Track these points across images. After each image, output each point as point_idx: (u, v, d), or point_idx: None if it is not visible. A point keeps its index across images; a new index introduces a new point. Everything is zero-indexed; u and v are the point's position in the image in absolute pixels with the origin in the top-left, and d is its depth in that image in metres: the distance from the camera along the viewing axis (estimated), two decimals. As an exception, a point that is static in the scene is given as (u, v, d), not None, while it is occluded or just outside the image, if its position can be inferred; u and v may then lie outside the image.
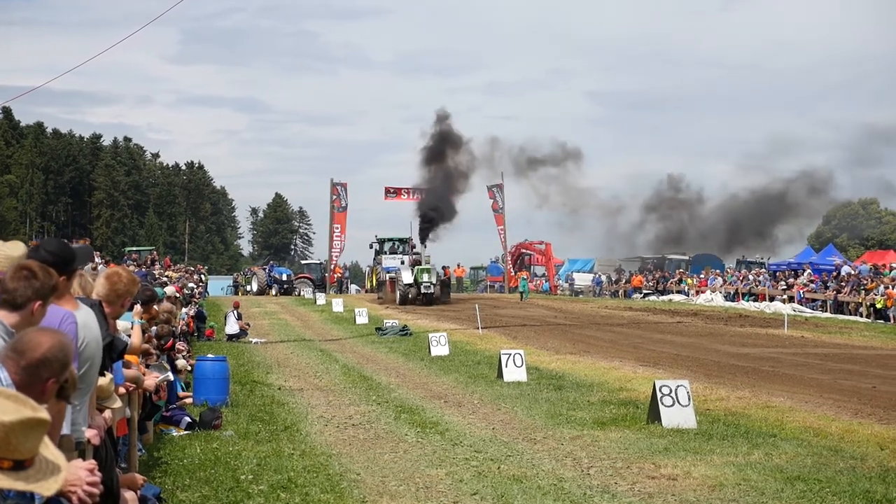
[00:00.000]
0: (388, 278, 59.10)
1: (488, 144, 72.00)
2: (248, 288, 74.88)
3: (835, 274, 51.06)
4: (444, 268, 65.59)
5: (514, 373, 20.70)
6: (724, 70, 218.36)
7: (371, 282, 71.13)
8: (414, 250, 65.02)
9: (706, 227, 67.01)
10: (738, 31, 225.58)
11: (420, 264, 58.11)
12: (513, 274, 74.89)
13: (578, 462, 12.20)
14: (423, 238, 64.59)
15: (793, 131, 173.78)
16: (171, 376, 13.61)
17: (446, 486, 10.90)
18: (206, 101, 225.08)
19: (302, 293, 70.64)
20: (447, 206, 64.97)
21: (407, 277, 56.23)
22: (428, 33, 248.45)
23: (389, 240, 69.25)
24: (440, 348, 26.62)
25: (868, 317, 43.93)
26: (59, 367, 4.45)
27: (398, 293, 55.85)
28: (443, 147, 67.44)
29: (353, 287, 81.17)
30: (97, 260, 33.88)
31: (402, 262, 61.39)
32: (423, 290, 55.14)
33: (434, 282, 56.04)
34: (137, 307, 10.45)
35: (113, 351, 7.55)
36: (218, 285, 78.94)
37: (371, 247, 69.65)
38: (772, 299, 52.00)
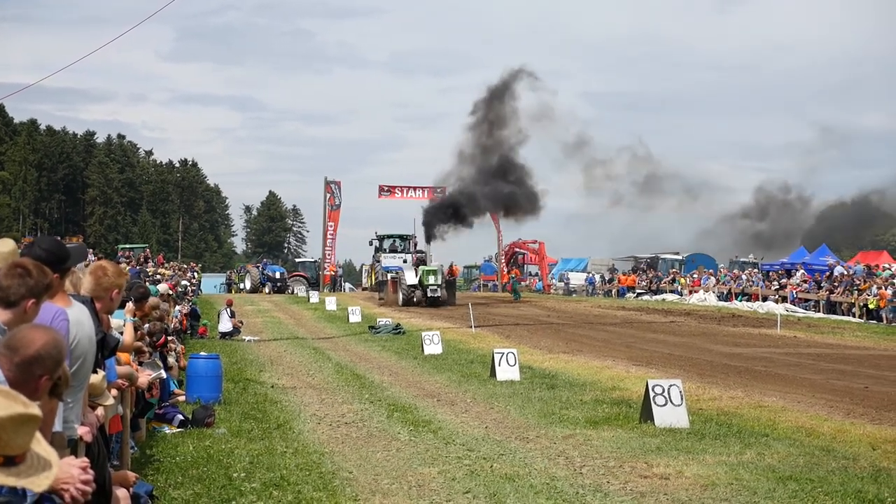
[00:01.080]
0: (389, 278, 55.56)
1: (542, 113, 63.66)
2: (242, 286, 74.88)
3: (828, 274, 51.13)
4: (451, 266, 62.16)
5: (507, 372, 20.70)
6: (721, 72, 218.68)
7: (370, 280, 68.58)
8: (417, 248, 61.26)
9: (800, 228, 66.40)
10: (735, 33, 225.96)
11: (425, 263, 54.71)
12: (505, 272, 74.92)
13: (571, 461, 12.20)
14: (429, 236, 59.88)
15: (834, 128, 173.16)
16: (163, 374, 13.60)
17: (439, 484, 10.90)
18: (200, 100, 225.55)
19: (296, 291, 70.53)
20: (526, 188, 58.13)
21: (410, 278, 52.73)
22: (423, 33, 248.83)
23: (390, 236, 67.21)
24: (433, 347, 26.60)
25: (861, 317, 44.02)
26: (52, 364, 4.45)
27: (401, 294, 52.42)
28: (492, 101, 60.30)
29: (347, 285, 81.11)
30: (91, 258, 33.86)
31: (405, 261, 58.29)
32: (428, 294, 51.52)
33: (440, 283, 52.67)
34: (129, 305, 10.43)
35: (105, 348, 7.54)
36: (211, 283, 78.97)
37: (371, 243, 67.41)
38: (765, 299, 52.06)
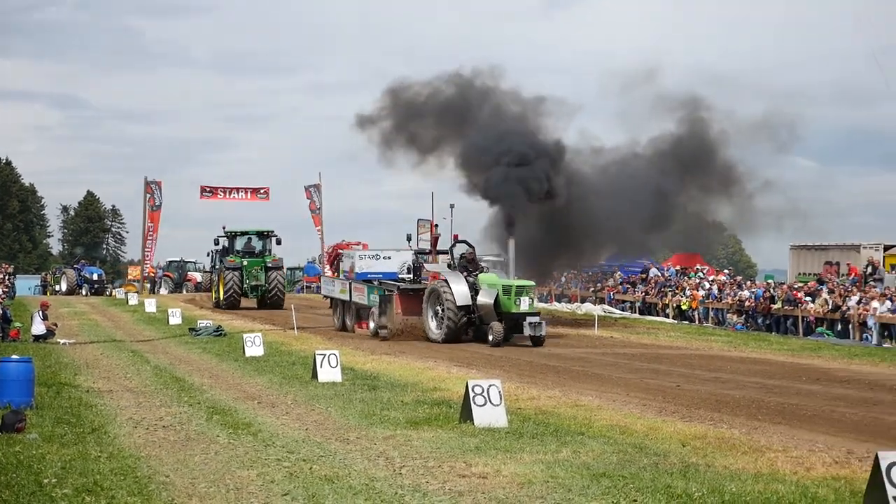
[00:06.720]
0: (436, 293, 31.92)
1: None
2: (58, 288, 72.89)
3: (643, 276, 52.54)
4: None
5: (329, 373, 20.68)
6: (546, 75, 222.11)
7: (215, 291, 53.49)
8: (468, 246, 34.12)
9: None
10: (559, 38, 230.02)
11: (479, 269, 32.86)
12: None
13: (391, 461, 12.26)
14: (511, 222, 36.23)
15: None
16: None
17: (257, 486, 10.83)
18: (17, 96, 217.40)
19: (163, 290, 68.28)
20: None
21: (461, 296, 31.28)
22: (251, 32, 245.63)
23: (244, 233, 54.19)
24: (255, 349, 26.38)
25: (674, 318, 45.40)
26: None
27: (444, 323, 31.32)
28: None
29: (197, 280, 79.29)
30: None
31: (448, 266, 34.01)
32: (528, 330, 30.18)
33: (538, 311, 32.15)
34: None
35: None
36: (26, 285, 76.63)
37: (216, 242, 54.31)
38: (583, 300, 53.17)
